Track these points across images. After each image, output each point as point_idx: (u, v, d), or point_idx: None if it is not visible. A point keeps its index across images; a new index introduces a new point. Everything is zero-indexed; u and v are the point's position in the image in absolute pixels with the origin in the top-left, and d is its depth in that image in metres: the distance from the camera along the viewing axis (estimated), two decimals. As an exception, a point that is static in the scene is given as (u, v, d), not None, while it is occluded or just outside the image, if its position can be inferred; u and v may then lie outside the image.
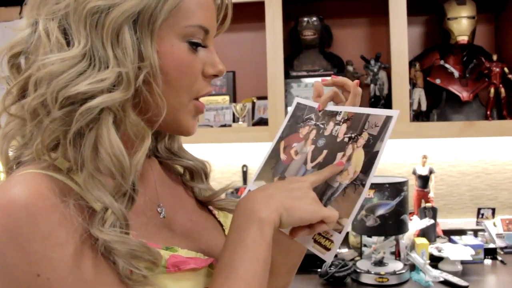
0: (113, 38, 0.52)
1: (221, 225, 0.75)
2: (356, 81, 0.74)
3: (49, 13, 0.54)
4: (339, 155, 0.71)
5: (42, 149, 0.53)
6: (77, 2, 0.52)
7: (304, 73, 1.81)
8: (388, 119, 0.68)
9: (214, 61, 0.62)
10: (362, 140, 0.69)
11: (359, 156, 0.68)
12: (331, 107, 0.77)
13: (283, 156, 0.78)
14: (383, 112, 0.69)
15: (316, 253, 0.65)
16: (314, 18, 1.80)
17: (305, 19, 1.80)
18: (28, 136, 0.55)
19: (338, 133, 0.73)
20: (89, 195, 0.52)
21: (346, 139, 0.71)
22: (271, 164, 0.79)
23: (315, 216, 0.60)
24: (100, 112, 0.52)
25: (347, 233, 1.75)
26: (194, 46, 0.59)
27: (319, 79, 0.79)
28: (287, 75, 1.79)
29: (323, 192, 0.67)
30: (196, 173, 0.76)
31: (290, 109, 0.81)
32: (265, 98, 1.79)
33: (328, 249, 0.65)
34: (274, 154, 0.80)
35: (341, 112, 0.75)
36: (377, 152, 0.67)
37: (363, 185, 0.66)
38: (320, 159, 0.73)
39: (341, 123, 0.73)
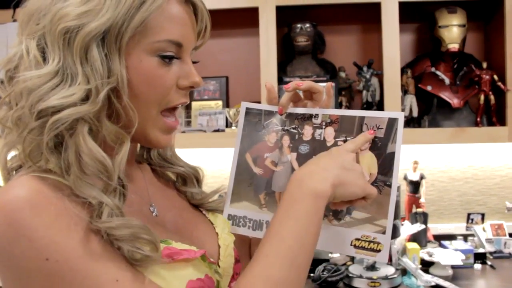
0: (82, 56, 0.56)
1: (212, 223, 0.76)
2: (330, 83, 0.74)
3: (30, 32, 0.58)
4: None
5: (25, 157, 0.57)
6: (51, 23, 0.57)
7: (297, 79, 1.82)
8: (392, 121, 0.68)
9: (189, 73, 0.63)
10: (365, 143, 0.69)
11: (369, 159, 0.69)
12: (300, 109, 0.73)
13: (257, 170, 0.75)
14: (383, 114, 0.69)
15: (364, 258, 0.67)
16: (307, 25, 1.82)
17: (299, 25, 1.82)
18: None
19: (325, 137, 0.71)
20: (81, 194, 0.55)
21: (341, 143, 0.70)
22: (245, 182, 0.75)
23: (363, 192, 0.63)
24: (75, 123, 0.56)
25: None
26: (166, 59, 0.61)
27: (300, 92, 0.76)
28: (280, 81, 1.80)
29: None
30: (189, 179, 0.77)
31: (241, 116, 0.77)
32: (258, 103, 1.79)
33: (377, 251, 0.67)
34: (242, 170, 0.75)
35: (317, 115, 0.72)
36: (393, 153, 0.68)
37: (389, 186, 0.67)
38: None
39: (324, 126, 0.72)
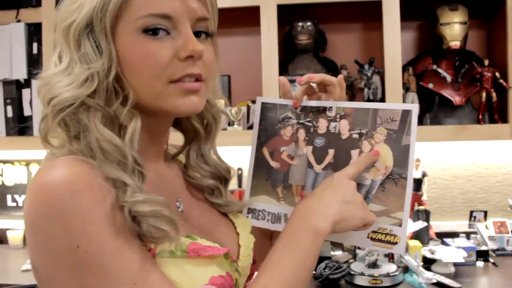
0: (77, 48, 0.61)
1: (233, 224, 0.77)
2: (341, 75, 0.74)
3: (55, 41, 0.65)
4: (354, 152, 0.70)
5: (42, 142, 0.64)
6: (58, 27, 0.63)
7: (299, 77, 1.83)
8: (406, 113, 0.68)
9: (186, 42, 0.61)
10: (380, 136, 0.69)
11: (384, 151, 0.69)
12: (313, 102, 0.74)
13: (274, 164, 0.75)
14: (396, 106, 0.69)
15: (381, 250, 0.68)
16: (309, 23, 1.82)
17: (300, 23, 1.82)
18: None
19: (340, 130, 0.71)
20: (107, 174, 0.57)
21: (356, 136, 0.70)
22: (263, 175, 0.76)
23: (363, 222, 0.66)
24: (86, 111, 0.59)
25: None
26: (150, 32, 0.60)
27: (314, 85, 0.76)
28: (282, 79, 1.81)
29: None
30: (216, 189, 0.77)
31: (257, 111, 0.77)
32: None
33: (394, 243, 0.67)
34: (261, 164, 0.77)
35: (331, 107, 0.72)
36: (408, 145, 0.68)
37: (404, 178, 0.67)
38: (328, 159, 0.72)
39: (338, 119, 0.72)
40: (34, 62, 1.92)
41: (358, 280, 1.51)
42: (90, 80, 0.59)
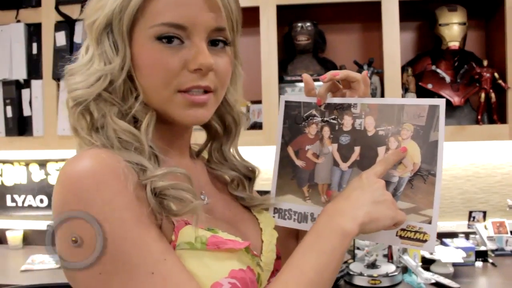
0: (97, 46, 0.64)
1: (257, 219, 0.77)
2: (365, 71, 0.73)
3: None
4: (381, 149, 0.69)
5: (73, 133, 0.68)
6: (84, 23, 0.67)
7: (298, 78, 1.83)
8: (433, 108, 0.67)
9: (196, 55, 0.62)
10: (407, 132, 0.68)
11: (412, 148, 0.68)
12: (337, 99, 0.72)
13: (300, 163, 0.75)
14: (423, 101, 0.68)
15: (411, 248, 0.67)
16: (308, 24, 1.83)
17: (299, 24, 1.83)
18: None
19: (365, 127, 0.70)
20: (127, 158, 0.60)
21: (382, 132, 0.69)
22: (288, 175, 0.75)
23: (393, 221, 0.65)
24: (103, 105, 0.63)
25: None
26: (164, 40, 0.61)
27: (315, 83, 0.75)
28: (281, 80, 1.81)
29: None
30: (240, 183, 0.77)
31: (280, 110, 0.77)
32: (259, 102, 1.80)
33: (423, 241, 0.67)
34: (286, 163, 0.76)
35: (356, 104, 0.71)
36: (436, 141, 0.67)
37: (433, 175, 0.67)
38: (355, 157, 0.71)
39: (363, 116, 0.70)
40: (33, 62, 1.92)
41: (357, 281, 1.51)
42: (103, 80, 0.62)
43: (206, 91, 0.64)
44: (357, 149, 0.71)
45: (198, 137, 0.78)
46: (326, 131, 0.73)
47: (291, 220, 0.76)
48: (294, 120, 0.75)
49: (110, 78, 0.62)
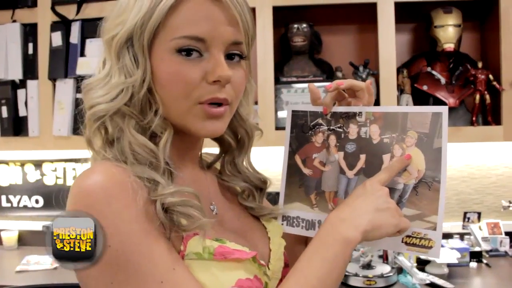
0: (117, 59, 0.65)
1: (265, 228, 0.78)
2: (369, 80, 0.75)
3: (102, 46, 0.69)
4: (386, 157, 0.70)
5: (88, 147, 0.68)
6: (103, 36, 0.67)
7: (294, 79, 1.83)
8: (436, 115, 0.68)
9: (215, 67, 0.63)
10: (411, 139, 0.69)
11: (416, 155, 0.69)
12: (342, 108, 0.74)
13: (307, 171, 0.76)
14: (426, 109, 0.70)
15: (416, 255, 0.67)
16: (304, 25, 1.83)
17: (295, 25, 1.83)
18: None
19: (371, 135, 0.71)
20: (138, 174, 0.62)
21: (387, 140, 0.70)
22: (296, 183, 0.77)
23: (397, 229, 0.66)
24: (122, 118, 0.64)
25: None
26: (183, 53, 0.63)
27: (306, 85, 0.78)
28: (277, 81, 1.81)
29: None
30: (251, 194, 0.79)
31: (287, 120, 0.78)
32: (255, 103, 1.81)
33: (429, 247, 0.67)
34: (293, 171, 0.77)
35: (361, 112, 0.72)
36: (440, 148, 0.68)
37: (437, 182, 0.68)
38: (360, 164, 0.72)
39: (368, 124, 0.72)
40: (29, 63, 1.92)
41: (352, 281, 1.52)
42: (125, 93, 0.64)
43: (223, 103, 0.65)
44: (362, 157, 0.72)
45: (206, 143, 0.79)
46: (332, 139, 0.74)
47: (299, 228, 0.77)
48: (301, 129, 0.77)
49: (131, 91, 0.63)
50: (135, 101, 0.64)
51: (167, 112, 0.65)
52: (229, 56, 0.66)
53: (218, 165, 0.80)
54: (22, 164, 2.13)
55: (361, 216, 0.64)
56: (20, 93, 1.93)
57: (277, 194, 0.80)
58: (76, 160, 2.07)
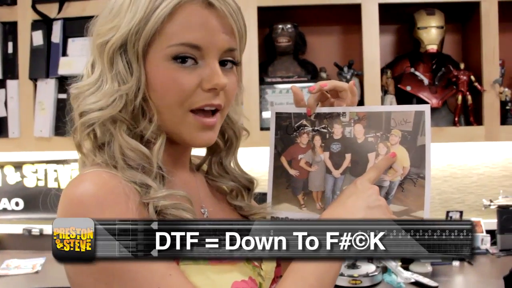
0: (110, 65, 0.64)
1: None
2: (353, 81, 0.76)
3: (89, 51, 0.68)
4: (371, 155, 0.72)
5: (78, 152, 0.67)
6: (93, 40, 0.66)
7: (279, 79, 1.83)
8: (419, 113, 0.70)
9: (211, 74, 0.63)
10: (395, 138, 0.71)
11: (401, 153, 0.70)
12: (326, 108, 0.75)
13: (294, 172, 0.77)
14: (408, 108, 0.71)
15: None
16: (289, 25, 1.83)
17: (280, 26, 1.83)
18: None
19: (355, 134, 0.73)
20: (129, 178, 0.61)
21: (371, 139, 0.72)
22: (283, 184, 0.77)
23: None
24: (113, 123, 0.63)
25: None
26: (179, 60, 0.63)
27: (289, 85, 0.78)
28: (261, 81, 1.81)
29: None
30: (239, 193, 0.79)
31: (272, 122, 0.79)
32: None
33: None
34: (280, 173, 0.78)
35: (345, 113, 0.73)
36: (423, 145, 0.69)
37: (422, 178, 0.69)
38: (346, 164, 0.73)
39: (352, 123, 0.73)
40: (9, 62, 1.88)
41: (338, 281, 1.52)
42: (118, 101, 0.63)
43: (216, 110, 0.66)
44: (348, 156, 0.73)
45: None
46: (318, 140, 0.75)
47: None
48: (286, 131, 0.77)
49: (125, 99, 0.63)
50: (129, 108, 0.63)
51: (161, 120, 0.65)
52: (222, 63, 0.66)
53: (205, 166, 0.80)
54: (2, 166, 2.08)
55: (353, 214, 0.65)
56: (0, 93, 1.89)
57: (263, 194, 0.80)
58: (57, 162, 2.03)
